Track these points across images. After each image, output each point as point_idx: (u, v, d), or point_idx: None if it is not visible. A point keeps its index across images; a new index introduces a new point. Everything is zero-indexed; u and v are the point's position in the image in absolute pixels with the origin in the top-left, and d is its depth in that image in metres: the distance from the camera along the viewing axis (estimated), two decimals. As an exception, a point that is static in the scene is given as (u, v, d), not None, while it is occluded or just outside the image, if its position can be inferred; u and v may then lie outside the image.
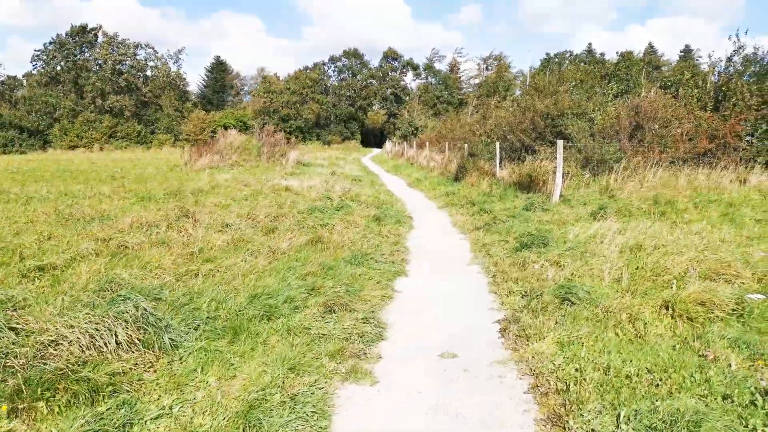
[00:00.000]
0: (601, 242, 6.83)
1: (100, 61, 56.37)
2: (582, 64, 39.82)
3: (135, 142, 55.87)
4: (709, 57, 15.72)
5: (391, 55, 65.51)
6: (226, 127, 58.99)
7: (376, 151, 53.18)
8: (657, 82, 16.90)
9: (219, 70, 79.28)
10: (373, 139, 67.13)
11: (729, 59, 15.34)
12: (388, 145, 45.43)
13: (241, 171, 22.14)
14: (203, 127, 57.39)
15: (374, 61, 66.65)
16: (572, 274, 5.40)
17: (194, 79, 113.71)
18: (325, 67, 65.23)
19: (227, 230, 7.33)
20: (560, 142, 10.86)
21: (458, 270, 6.29)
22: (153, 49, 59.98)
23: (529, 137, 14.83)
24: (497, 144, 15.03)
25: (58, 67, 57.51)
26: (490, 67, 72.31)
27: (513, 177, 13.62)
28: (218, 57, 77.65)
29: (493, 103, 22.20)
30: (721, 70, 15.58)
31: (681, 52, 68.12)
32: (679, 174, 11.80)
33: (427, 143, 26.70)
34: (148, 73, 60.65)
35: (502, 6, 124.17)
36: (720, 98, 14.59)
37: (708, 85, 15.41)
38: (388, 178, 22.52)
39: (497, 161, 15.01)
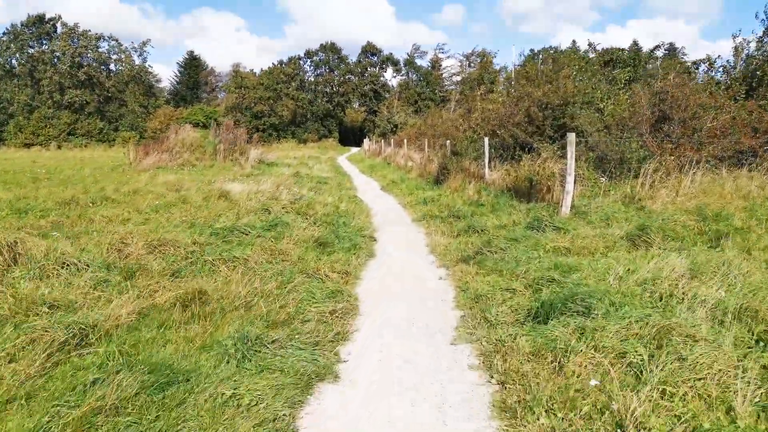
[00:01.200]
0: (670, 295, 4.12)
1: (58, 54, 52.36)
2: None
3: (97, 140, 52.34)
4: (734, 38, 13.18)
5: (370, 50, 62.59)
6: (195, 124, 55.95)
7: (354, 150, 50.29)
8: (674, 68, 14.31)
9: (192, 65, 76.13)
10: (353, 137, 64.12)
11: (760, 40, 12.83)
12: (366, 143, 42.57)
13: (190, 172, 19.30)
14: (170, 124, 53.97)
15: (353, 57, 63.75)
16: (667, 396, 2.65)
17: (171, 76, 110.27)
18: (301, 62, 62.06)
19: (58, 274, 4.44)
20: (572, 136, 8.14)
21: (435, 360, 3.46)
22: (117, 41, 56.26)
23: (524, 132, 12.13)
24: (485, 140, 12.30)
25: (13, 60, 53.52)
26: (472, 64, 69.84)
27: (507, 181, 10.91)
28: (191, 52, 74.33)
29: (478, 94, 19.51)
30: (750, 53, 13.06)
31: (666, 50, 66.55)
32: (722, 178, 9.19)
33: (405, 141, 23.96)
34: (112, 66, 56.87)
35: (484, 5, 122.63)
36: (754, 85, 12.06)
37: (737, 69, 12.89)
38: (360, 180, 19.73)
39: (486, 161, 12.27)
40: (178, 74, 76.10)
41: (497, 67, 66.39)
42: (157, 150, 22.01)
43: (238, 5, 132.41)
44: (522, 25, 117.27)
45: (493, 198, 10.38)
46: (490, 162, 12.37)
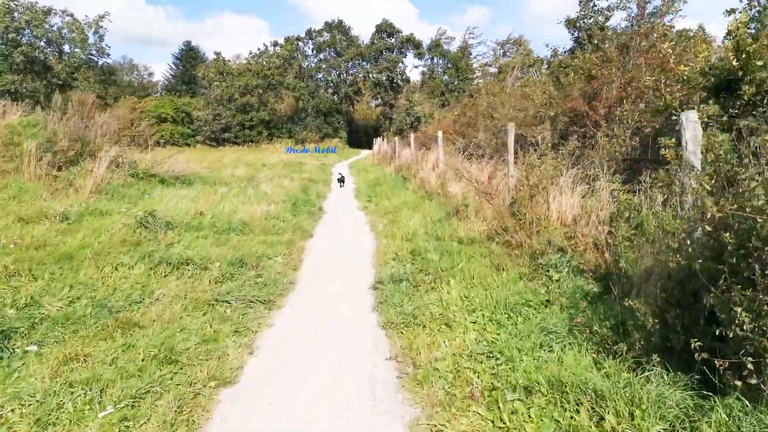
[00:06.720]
0: None
1: (-9, 30, 41.23)
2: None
3: (38, 139, 40.74)
4: None
5: (386, 29, 50.20)
6: (163, 119, 44.12)
7: (364, 153, 38.13)
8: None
9: (189, 57, 65.59)
10: (365, 138, 51.83)
11: None
12: (376, 145, 30.48)
13: None
14: (132, 119, 42.61)
15: (365, 40, 51.46)
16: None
17: (166, 69, 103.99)
18: (301, 44, 50.09)
19: None
20: None
21: None
22: (72, 16, 44.93)
23: None
24: None
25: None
26: (507, 53, 57.08)
27: None
28: (188, 42, 63.90)
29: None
30: None
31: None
32: None
33: (440, 136, 11.63)
34: (66, 47, 45.67)
35: (506, 8, 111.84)
36: None
37: None
38: (331, 236, 7.50)
39: None
40: (173, 67, 66.22)
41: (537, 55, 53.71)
42: None
43: (260, 7, 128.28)
44: (547, 25, 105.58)
45: None
46: None
